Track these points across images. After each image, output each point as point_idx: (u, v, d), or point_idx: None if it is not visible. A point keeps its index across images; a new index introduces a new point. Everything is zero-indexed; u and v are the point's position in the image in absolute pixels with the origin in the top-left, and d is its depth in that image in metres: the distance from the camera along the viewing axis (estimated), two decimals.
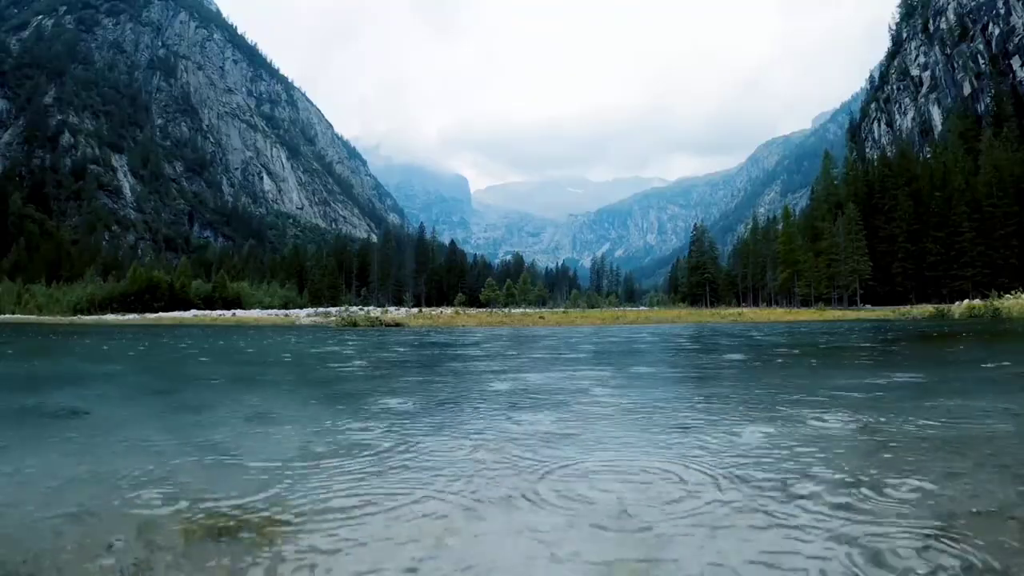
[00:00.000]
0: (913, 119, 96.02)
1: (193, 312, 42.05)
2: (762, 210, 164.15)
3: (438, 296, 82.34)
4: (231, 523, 1.50)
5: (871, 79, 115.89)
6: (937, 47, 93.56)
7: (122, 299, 52.40)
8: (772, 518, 1.53)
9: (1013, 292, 25.04)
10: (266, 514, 1.57)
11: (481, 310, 44.27)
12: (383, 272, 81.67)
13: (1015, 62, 79.84)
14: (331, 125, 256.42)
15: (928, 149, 77.74)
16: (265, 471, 2.03)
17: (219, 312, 41.48)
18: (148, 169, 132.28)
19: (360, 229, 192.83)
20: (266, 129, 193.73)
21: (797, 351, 8.46)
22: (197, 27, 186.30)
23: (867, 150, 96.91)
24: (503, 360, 7.17)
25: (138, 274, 58.21)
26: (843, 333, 13.12)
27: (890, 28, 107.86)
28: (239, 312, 41.64)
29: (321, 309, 42.96)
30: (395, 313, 30.84)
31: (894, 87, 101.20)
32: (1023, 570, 1.21)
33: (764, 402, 3.52)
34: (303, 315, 33.74)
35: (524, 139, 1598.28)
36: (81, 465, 2.17)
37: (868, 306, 45.67)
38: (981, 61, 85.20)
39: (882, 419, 2.87)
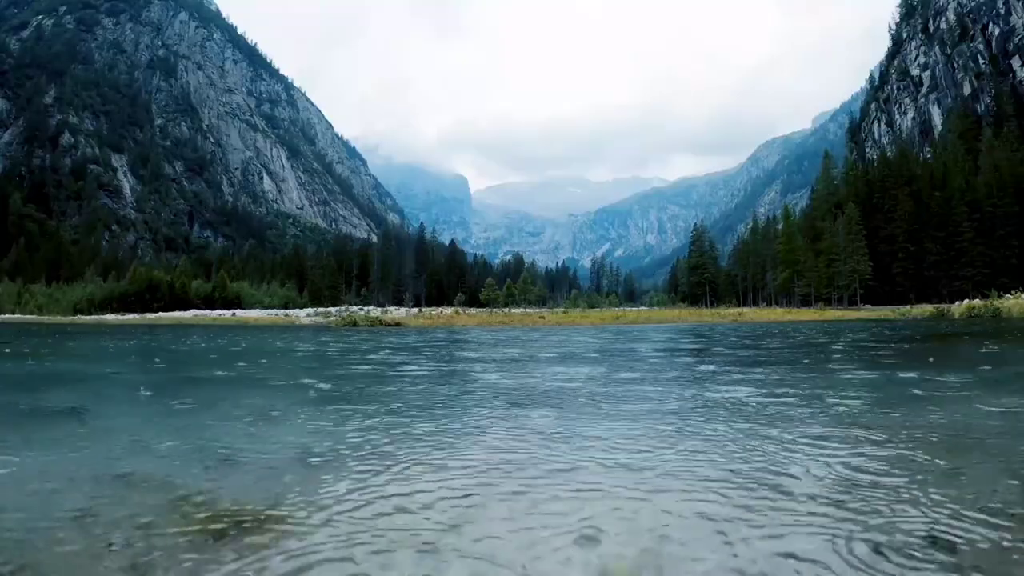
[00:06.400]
0: (913, 119, 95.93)
1: (193, 312, 42.05)
2: (762, 210, 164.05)
3: (438, 296, 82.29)
4: (231, 523, 1.50)
5: (871, 79, 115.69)
6: (937, 47, 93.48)
7: (122, 299, 52.37)
8: (774, 515, 1.53)
9: (1013, 292, 25.07)
10: (266, 514, 1.56)
11: (481, 310, 44.29)
12: (383, 272, 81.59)
13: (1015, 62, 79.77)
14: (331, 125, 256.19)
15: (928, 149, 77.70)
16: (265, 471, 2.04)
17: (219, 312, 41.48)
18: (148, 169, 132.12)
19: (360, 229, 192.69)
20: (266, 129, 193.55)
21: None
22: (197, 27, 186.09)
23: (867, 150, 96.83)
24: (494, 354, 7.17)
25: (138, 274, 58.20)
26: (859, 332, 13.12)
27: (890, 28, 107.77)
28: (239, 312, 41.64)
29: (321, 309, 42.95)
30: (395, 313, 30.85)
31: (894, 87, 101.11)
32: (1023, 570, 1.22)
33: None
34: (303, 315, 33.75)
35: (524, 139, 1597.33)
36: (81, 465, 2.17)
37: (868, 306, 45.64)
38: (981, 61, 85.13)
39: (882, 418, 2.88)
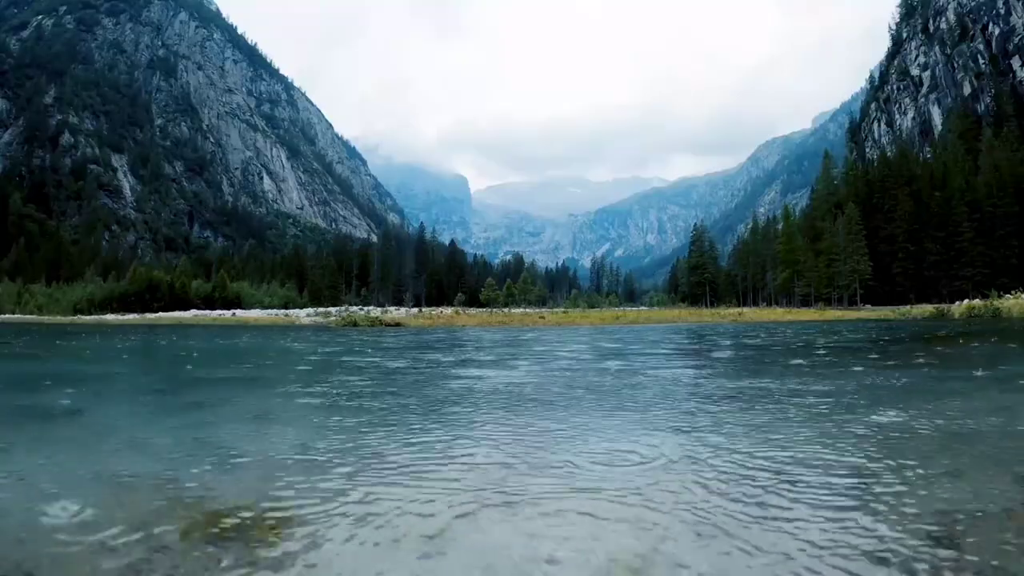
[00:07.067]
0: (913, 119, 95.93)
1: (193, 312, 42.06)
2: (762, 210, 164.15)
3: (438, 296, 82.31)
4: (231, 523, 1.50)
5: (871, 79, 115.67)
6: (937, 47, 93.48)
7: (122, 299, 52.37)
8: (776, 515, 1.52)
9: (1013, 292, 25.07)
10: (266, 514, 1.56)
11: (481, 310, 44.32)
12: (383, 272, 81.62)
13: (1015, 62, 79.77)
14: (331, 125, 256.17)
15: (928, 149, 77.72)
16: (265, 471, 2.04)
17: (219, 312, 41.49)
18: (148, 169, 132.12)
19: (360, 229, 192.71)
20: (266, 129, 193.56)
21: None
22: (197, 27, 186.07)
23: (867, 150, 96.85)
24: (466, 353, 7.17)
25: (138, 274, 58.21)
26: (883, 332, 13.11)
27: (890, 28, 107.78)
28: (239, 312, 41.64)
29: (321, 309, 42.95)
30: (395, 313, 30.88)
31: (894, 87, 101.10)
32: (1023, 570, 1.21)
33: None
34: (303, 315, 33.74)
35: (524, 139, 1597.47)
36: (81, 465, 2.17)
37: (868, 306, 45.65)
38: (981, 61, 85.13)
39: (881, 418, 2.87)
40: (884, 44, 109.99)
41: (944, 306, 27.09)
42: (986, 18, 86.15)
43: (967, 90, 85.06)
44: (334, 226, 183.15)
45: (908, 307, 34.68)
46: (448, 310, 40.64)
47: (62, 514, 1.58)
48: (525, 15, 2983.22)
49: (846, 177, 64.45)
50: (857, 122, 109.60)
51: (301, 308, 50.02)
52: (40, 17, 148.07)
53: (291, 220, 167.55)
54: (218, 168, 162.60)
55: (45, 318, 42.58)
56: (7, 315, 45.93)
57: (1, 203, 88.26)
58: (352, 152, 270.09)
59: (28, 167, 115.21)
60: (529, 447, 2.39)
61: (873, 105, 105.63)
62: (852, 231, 52.57)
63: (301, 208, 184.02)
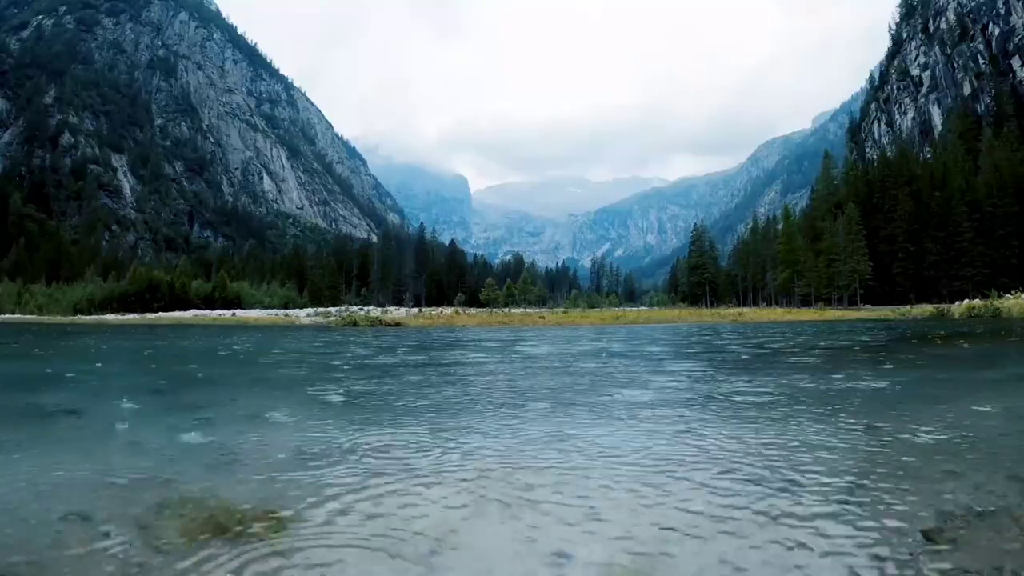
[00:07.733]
0: (913, 119, 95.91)
1: (193, 312, 42.03)
2: (762, 210, 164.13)
3: (438, 296, 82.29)
4: (230, 523, 1.49)
5: (871, 79, 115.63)
6: (937, 47, 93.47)
7: (122, 299, 52.35)
8: (774, 516, 1.52)
9: (1013, 292, 25.08)
10: (265, 514, 1.56)
11: (481, 310, 44.31)
12: (383, 272, 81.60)
13: (1015, 62, 79.77)
14: (331, 125, 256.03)
15: (928, 149, 77.73)
16: (264, 471, 2.04)
17: (219, 312, 41.46)
18: (148, 169, 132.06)
19: (360, 229, 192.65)
20: (266, 129, 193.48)
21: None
22: (197, 27, 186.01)
23: (867, 150, 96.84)
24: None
25: (138, 274, 58.19)
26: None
27: (890, 28, 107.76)
28: (239, 312, 41.62)
29: (321, 309, 42.93)
30: (395, 313, 30.88)
31: (894, 87, 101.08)
32: (1023, 570, 1.22)
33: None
34: (303, 315, 33.73)
35: (524, 139, 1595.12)
36: (80, 465, 2.17)
37: (868, 306, 45.63)
38: (981, 61, 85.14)
39: (881, 417, 2.88)
40: (884, 44, 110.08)
41: (944, 306, 27.08)
42: (986, 18, 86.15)
43: (967, 90, 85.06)
44: (334, 226, 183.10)
45: (908, 307, 34.65)
46: (448, 310, 40.64)
47: (61, 514, 1.58)
48: (525, 15, 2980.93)
49: (846, 177, 64.47)
50: (857, 122, 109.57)
51: (301, 308, 50.00)
52: (40, 17, 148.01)
53: (291, 220, 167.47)
54: (218, 168, 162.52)
55: (45, 318, 42.54)
56: (7, 315, 45.90)
57: (1, 203, 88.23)
58: (352, 152, 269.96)
59: (28, 167, 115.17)
60: (530, 447, 2.39)
61: (873, 105, 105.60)
62: (852, 231, 52.56)
63: (301, 208, 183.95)
